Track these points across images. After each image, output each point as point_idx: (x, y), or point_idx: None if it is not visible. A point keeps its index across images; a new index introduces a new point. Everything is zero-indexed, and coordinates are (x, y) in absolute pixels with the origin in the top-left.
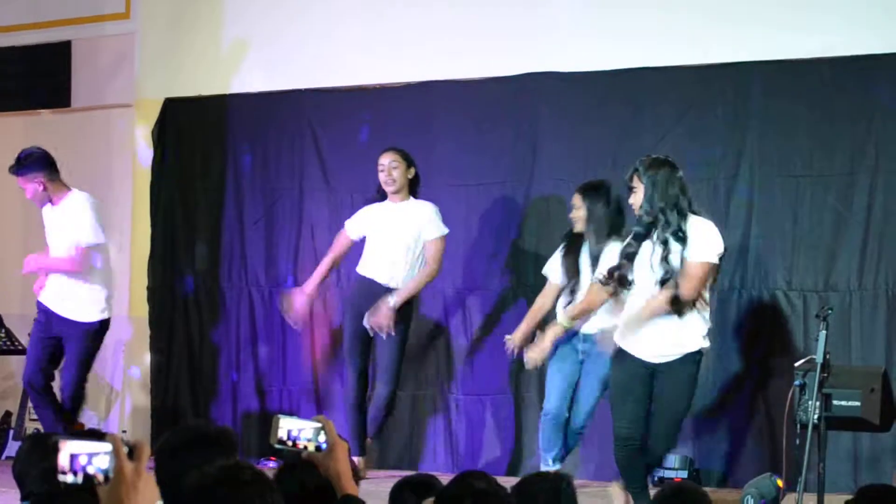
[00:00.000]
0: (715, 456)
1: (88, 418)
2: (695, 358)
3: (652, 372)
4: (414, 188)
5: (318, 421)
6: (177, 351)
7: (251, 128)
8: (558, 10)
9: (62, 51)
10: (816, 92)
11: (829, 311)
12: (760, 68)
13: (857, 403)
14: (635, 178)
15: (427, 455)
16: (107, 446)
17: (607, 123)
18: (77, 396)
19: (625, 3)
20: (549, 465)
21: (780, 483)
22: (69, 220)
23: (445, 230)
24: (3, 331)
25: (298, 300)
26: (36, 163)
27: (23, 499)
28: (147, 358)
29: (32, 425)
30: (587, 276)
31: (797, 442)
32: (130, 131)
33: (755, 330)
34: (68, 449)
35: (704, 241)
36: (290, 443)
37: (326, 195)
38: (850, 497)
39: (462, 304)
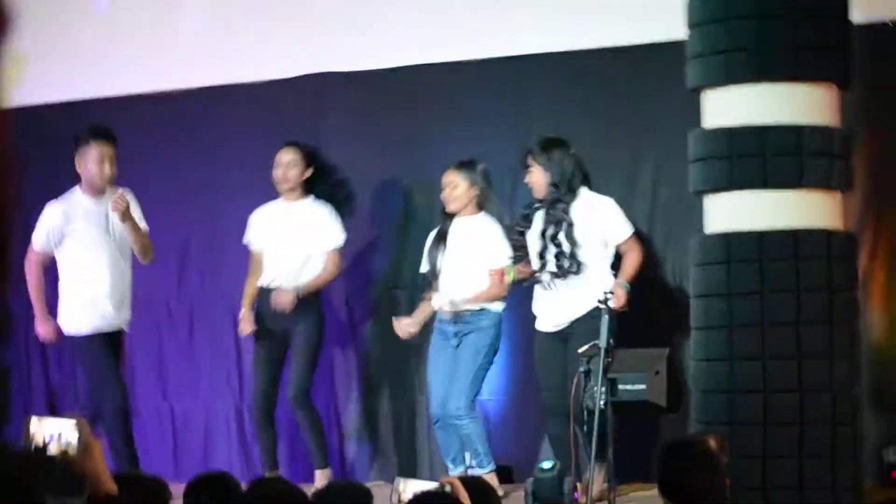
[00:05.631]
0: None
1: None
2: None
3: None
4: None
5: (72, 418)
6: None
7: (35, 142)
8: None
9: None
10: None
11: (609, 295)
12: (537, 61)
13: (643, 386)
14: (530, 159)
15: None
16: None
17: (388, 123)
18: None
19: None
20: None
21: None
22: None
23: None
24: None
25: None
26: None
27: None
28: None
29: None
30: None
31: (584, 429)
32: None
33: None
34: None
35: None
36: (46, 445)
37: None
38: (643, 484)
39: None
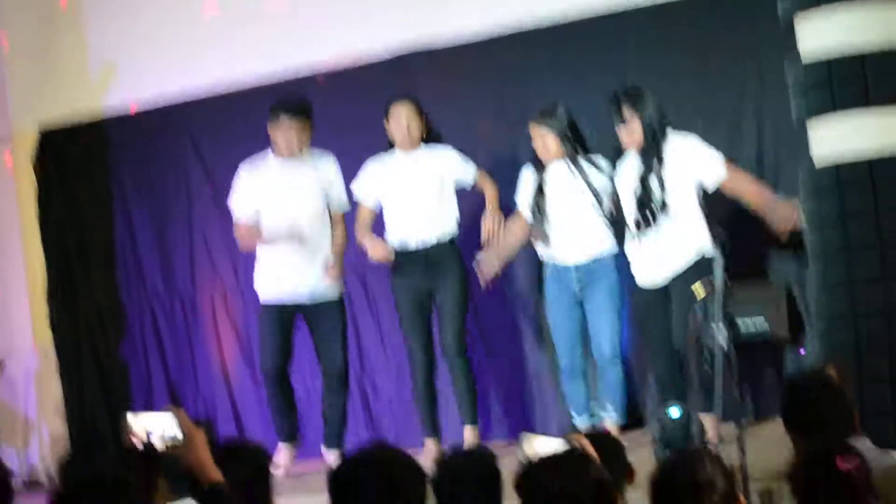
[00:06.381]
0: None
1: (5, 453)
2: None
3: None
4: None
5: (169, 411)
6: (87, 375)
7: (131, 148)
8: None
9: None
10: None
11: (723, 232)
12: (631, 18)
13: (764, 321)
14: (625, 111)
15: None
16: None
17: (485, 95)
18: None
19: None
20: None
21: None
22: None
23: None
24: None
25: None
26: None
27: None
28: (58, 385)
29: None
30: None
31: (706, 367)
32: (9, 165)
33: None
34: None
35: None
36: (148, 440)
37: (213, 201)
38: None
39: None
